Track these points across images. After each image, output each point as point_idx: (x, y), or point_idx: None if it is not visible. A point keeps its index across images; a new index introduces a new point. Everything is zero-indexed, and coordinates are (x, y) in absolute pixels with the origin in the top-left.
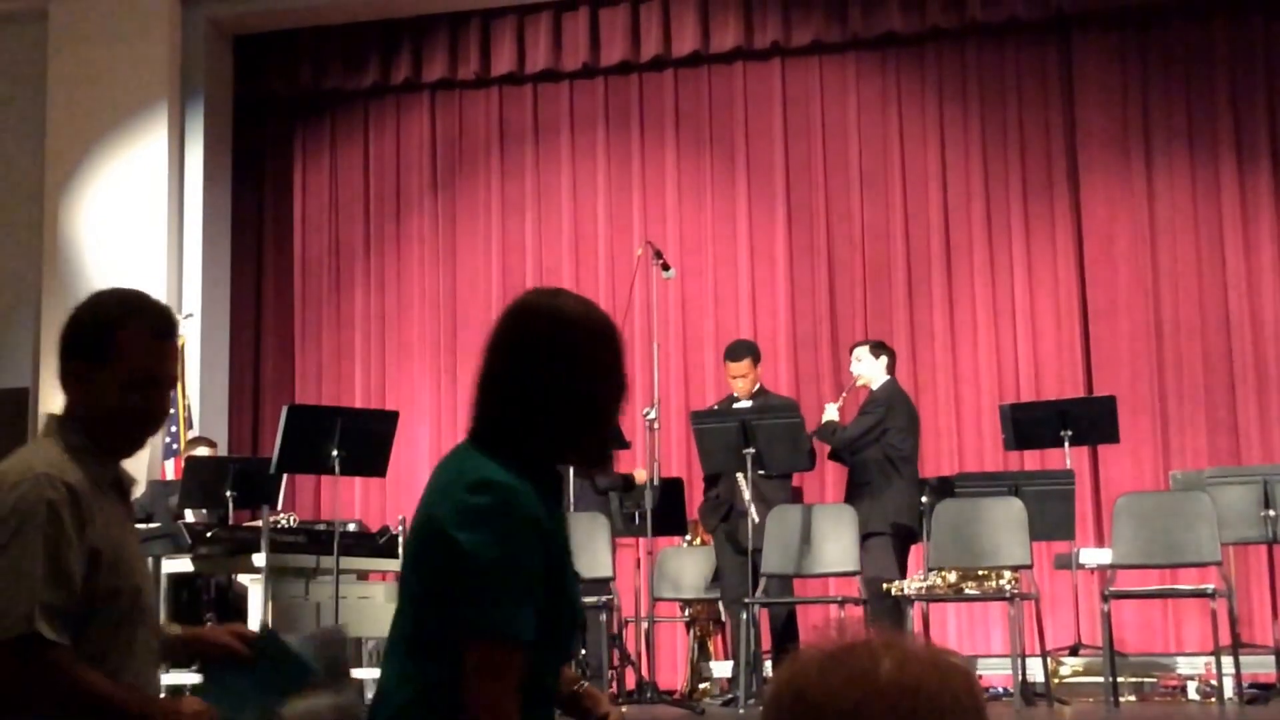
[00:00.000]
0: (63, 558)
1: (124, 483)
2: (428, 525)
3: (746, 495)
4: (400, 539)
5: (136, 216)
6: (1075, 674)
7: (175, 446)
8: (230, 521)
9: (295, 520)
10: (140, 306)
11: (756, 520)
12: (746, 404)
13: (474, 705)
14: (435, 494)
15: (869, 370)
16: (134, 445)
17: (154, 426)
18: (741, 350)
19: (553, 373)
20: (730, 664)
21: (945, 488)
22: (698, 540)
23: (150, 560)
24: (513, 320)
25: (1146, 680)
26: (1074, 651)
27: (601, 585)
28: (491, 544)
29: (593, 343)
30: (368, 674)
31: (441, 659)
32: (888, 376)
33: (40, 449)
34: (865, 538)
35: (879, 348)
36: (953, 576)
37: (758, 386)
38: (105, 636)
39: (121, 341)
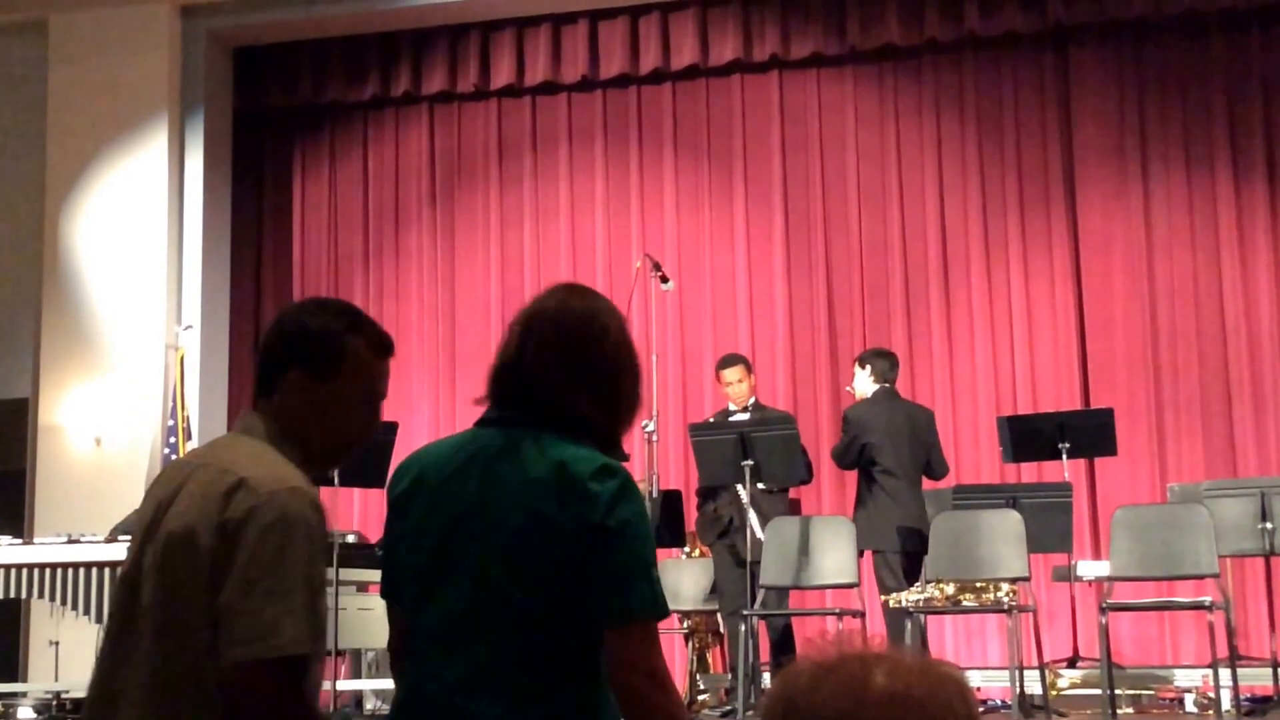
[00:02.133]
0: (316, 582)
1: None
2: (547, 529)
3: (748, 510)
4: None
5: (136, 228)
6: (1073, 686)
7: (175, 458)
8: None
9: None
10: (363, 321)
11: (762, 536)
12: (743, 416)
13: (647, 677)
14: (531, 493)
15: (858, 384)
16: (342, 462)
17: (365, 444)
18: (734, 357)
19: (624, 366)
20: (729, 675)
21: (943, 500)
22: (696, 552)
23: None
24: (576, 318)
25: (1144, 692)
26: (1072, 664)
27: None
28: (640, 522)
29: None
30: (366, 685)
31: (581, 666)
32: (876, 387)
33: (274, 457)
34: (874, 554)
35: (865, 359)
36: (951, 589)
37: (753, 400)
38: (312, 675)
39: (350, 354)
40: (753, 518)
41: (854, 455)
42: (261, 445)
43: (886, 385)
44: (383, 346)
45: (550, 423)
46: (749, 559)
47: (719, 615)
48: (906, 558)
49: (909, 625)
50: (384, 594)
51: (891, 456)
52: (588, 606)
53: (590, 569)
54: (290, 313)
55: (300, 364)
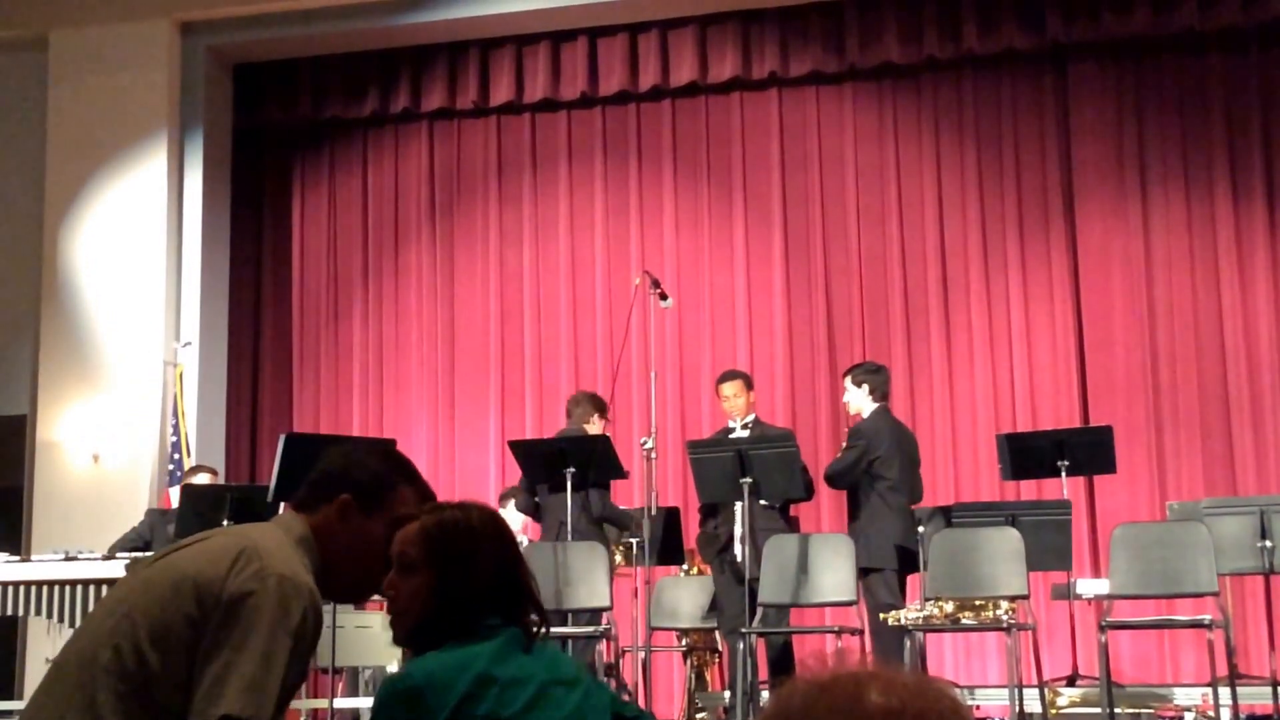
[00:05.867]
0: (290, 675)
1: None
2: None
3: (738, 528)
4: None
5: (135, 245)
6: (1072, 704)
7: (179, 475)
8: None
9: None
10: (417, 473)
11: (739, 559)
12: (743, 434)
13: None
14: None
15: (855, 399)
16: (361, 595)
17: (378, 589)
18: (732, 373)
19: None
20: (727, 693)
21: (942, 517)
22: (695, 570)
23: None
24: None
25: (1144, 711)
26: (1071, 682)
27: (599, 615)
28: None
29: None
30: (363, 703)
31: None
32: (875, 404)
33: (295, 553)
34: (865, 573)
35: (862, 375)
36: (950, 607)
37: (753, 416)
38: None
39: (398, 499)
40: (737, 542)
41: (859, 471)
42: (290, 544)
43: (885, 403)
44: (428, 502)
45: None
46: (748, 576)
47: (718, 633)
48: (900, 576)
49: (908, 644)
50: None
51: (897, 472)
52: None
53: None
54: (350, 448)
55: (351, 492)
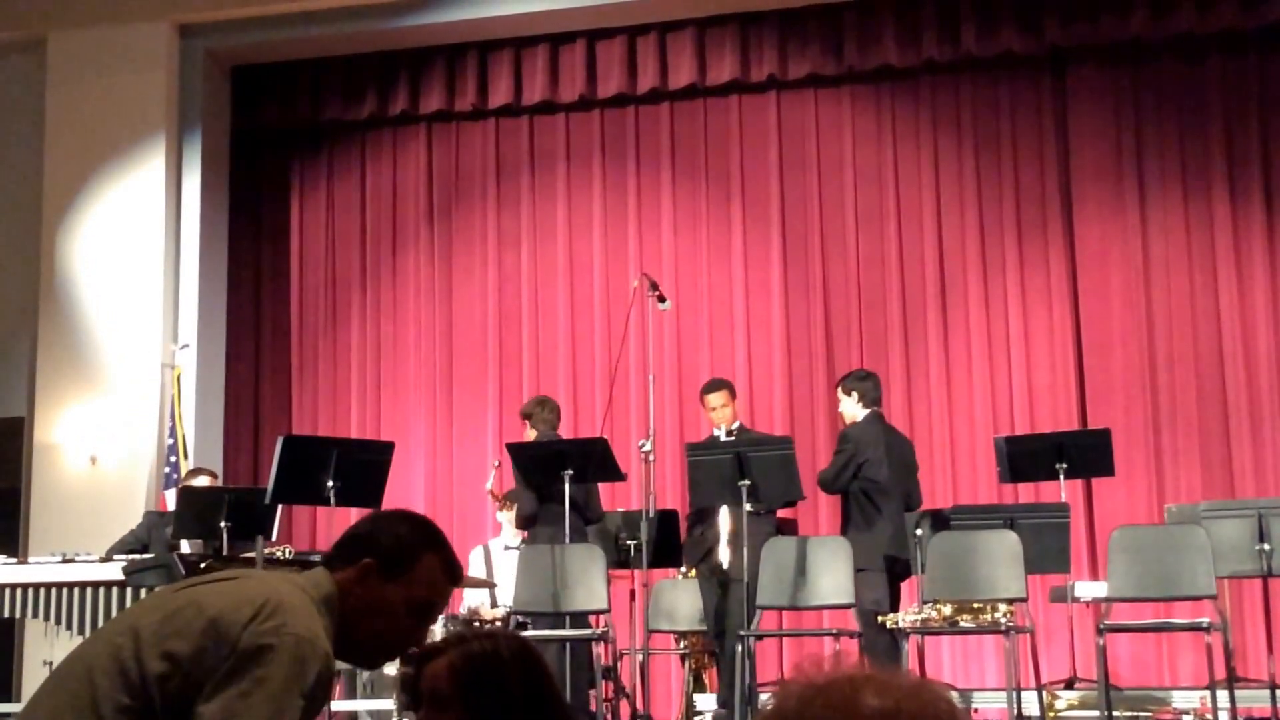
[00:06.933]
0: None
1: None
2: None
3: (724, 534)
4: None
5: (133, 247)
6: (1071, 707)
7: (175, 477)
8: (225, 552)
9: (291, 551)
10: (445, 543)
11: (725, 565)
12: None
13: None
14: None
15: (847, 408)
16: (376, 660)
17: (402, 653)
18: (717, 382)
19: None
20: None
21: (940, 520)
22: (692, 573)
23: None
24: None
25: (1142, 714)
26: (1069, 685)
27: (596, 617)
28: None
29: None
30: (362, 705)
31: None
32: (865, 410)
33: (315, 610)
34: (858, 572)
35: (851, 383)
36: (948, 609)
37: (738, 424)
38: None
39: (421, 566)
40: (723, 545)
41: (849, 475)
42: (313, 604)
43: (877, 409)
44: (454, 573)
45: None
46: (744, 579)
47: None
48: (891, 580)
49: (904, 647)
50: None
51: (887, 476)
52: None
53: None
54: (382, 513)
55: (374, 556)
